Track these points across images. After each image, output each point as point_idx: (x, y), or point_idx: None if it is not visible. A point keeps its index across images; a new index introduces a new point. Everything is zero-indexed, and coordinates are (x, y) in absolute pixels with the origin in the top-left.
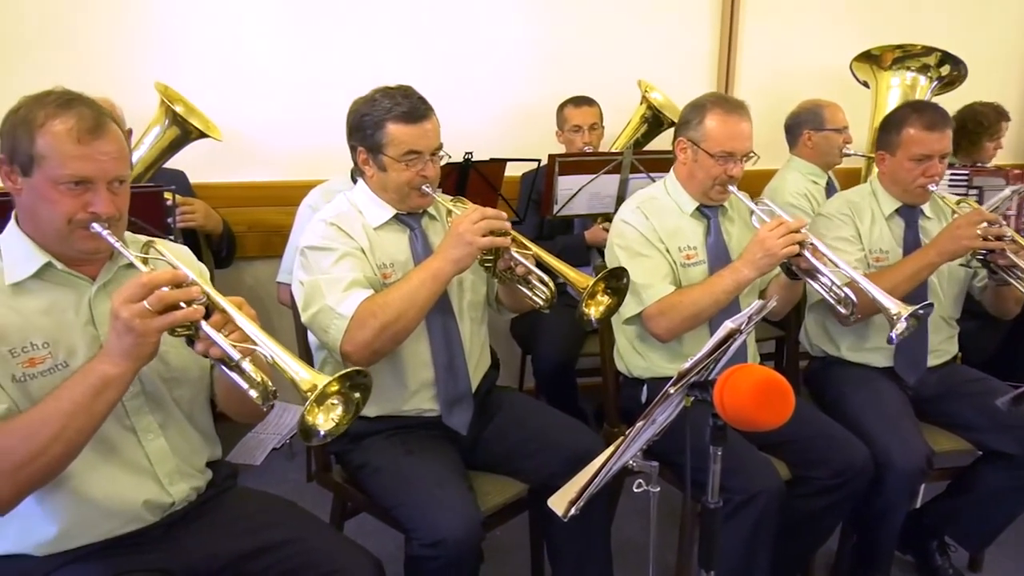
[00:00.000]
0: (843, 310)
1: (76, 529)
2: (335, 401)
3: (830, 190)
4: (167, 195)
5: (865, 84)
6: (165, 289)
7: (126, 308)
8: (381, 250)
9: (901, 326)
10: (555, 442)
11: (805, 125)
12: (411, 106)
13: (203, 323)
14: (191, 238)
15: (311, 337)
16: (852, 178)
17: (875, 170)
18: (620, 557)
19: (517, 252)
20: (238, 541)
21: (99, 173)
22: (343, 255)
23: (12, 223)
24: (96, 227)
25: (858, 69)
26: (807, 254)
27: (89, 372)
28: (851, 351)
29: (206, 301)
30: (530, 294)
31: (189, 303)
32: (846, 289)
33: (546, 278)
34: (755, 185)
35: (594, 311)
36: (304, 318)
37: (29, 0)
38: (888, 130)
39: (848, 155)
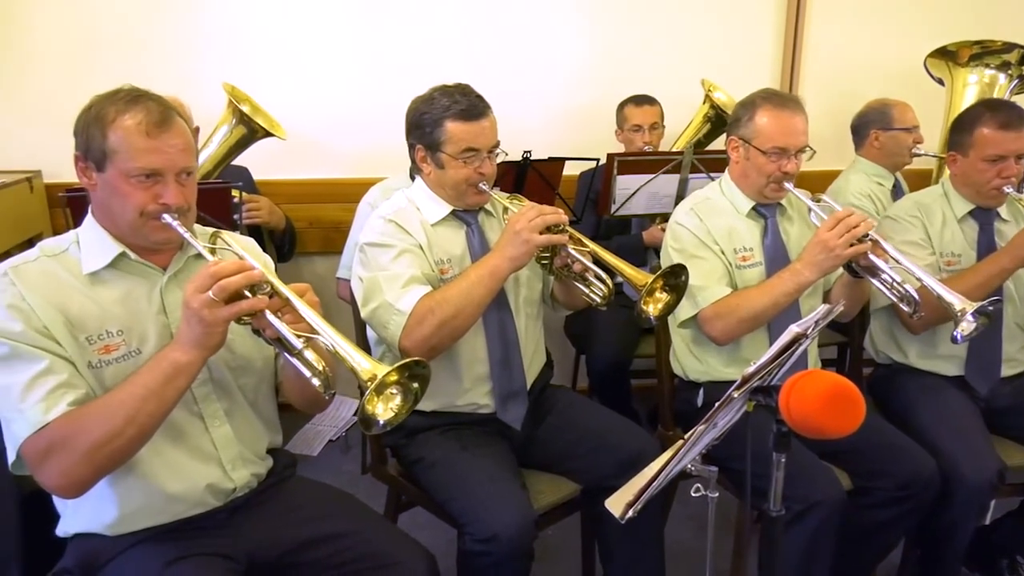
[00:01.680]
0: (906, 308)
1: (144, 511)
2: (394, 391)
3: (897, 192)
4: (234, 192)
5: (940, 81)
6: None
7: (196, 298)
8: (438, 246)
9: (966, 324)
10: (609, 443)
11: (872, 125)
12: (469, 104)
13: (267, 312)
14: (255, 233)
15: (370, 331)
16: (923, 179)
17: (947, 171)
18: (671, 560)
19: (574, 249)
20: (297, 530)
21: (168, 165)
22: (402, 251)
23: (89, 216)
24: (167, 218)
25: (933, 66)
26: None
27: (162, 359)
28: (920, 358)
29: (270, 290)
30: (587, 291)
31: (252, 290)
32: (907, 286)
33: (604, 275)
34: (818, 186)
35: (652, 308)
36: (364, 313)
37: (105, 5)
38: (960, 130)
39: (918, 155)
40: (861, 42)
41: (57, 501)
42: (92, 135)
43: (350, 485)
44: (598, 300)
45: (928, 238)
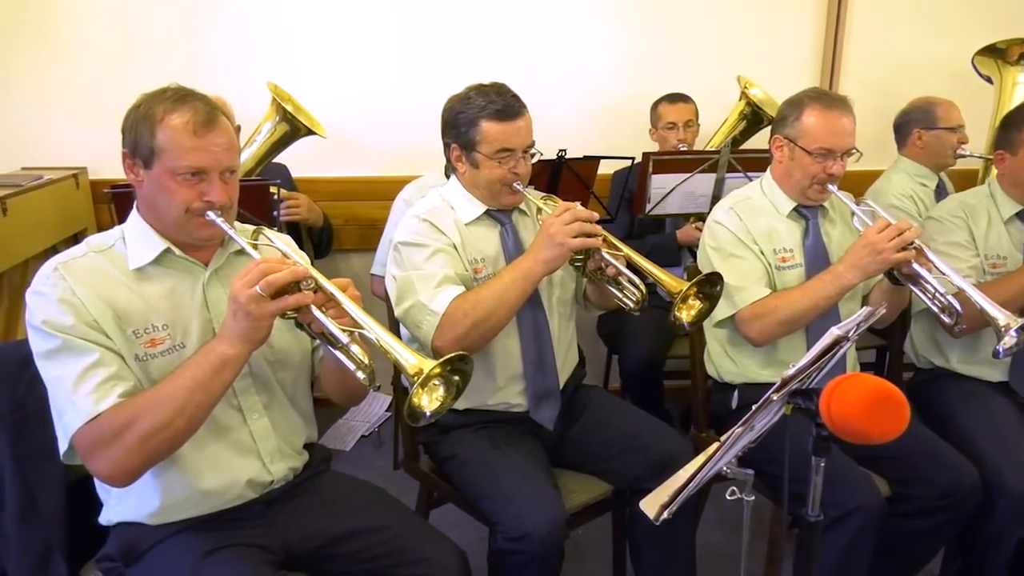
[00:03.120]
0: (947, 319)
1: (185, 503)
2: (436, 382)
3: (941, 193)
4: (273, 189)
5: (988, 80)
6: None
7: (243, 293)
8: (472, 245)
9: (1010, 339)
10: (642, 444)
11: (915, 124)
12: (504, 104)
13: (313, 307)
14: (294, 230)
15: (402, 328)
16: (968, 181)
17: (993, 171)
18: (702, 563)
19: (608, 253)
20: (331, 523)
21: (213, 164)
22: (435, 251)
23: (134, 212)
24: (211, 215)
25: (981, 64)
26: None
27: (208, 352)
28: (962, 363)
29: (314, 285)
30: (620, 295)
31: (297, 286)
32: (950, 297)
33: (637, 280)
34: (859, 186)
35: (686, 315)
36: (397, 312)
37: (150, 5)
38: (1008, 128)
39: (962, 156)
40: (905, 38)
41: (101, 491)
42: (140, 133)
43: (382, 480)
44: (631, 305)
45: (972, 239)
